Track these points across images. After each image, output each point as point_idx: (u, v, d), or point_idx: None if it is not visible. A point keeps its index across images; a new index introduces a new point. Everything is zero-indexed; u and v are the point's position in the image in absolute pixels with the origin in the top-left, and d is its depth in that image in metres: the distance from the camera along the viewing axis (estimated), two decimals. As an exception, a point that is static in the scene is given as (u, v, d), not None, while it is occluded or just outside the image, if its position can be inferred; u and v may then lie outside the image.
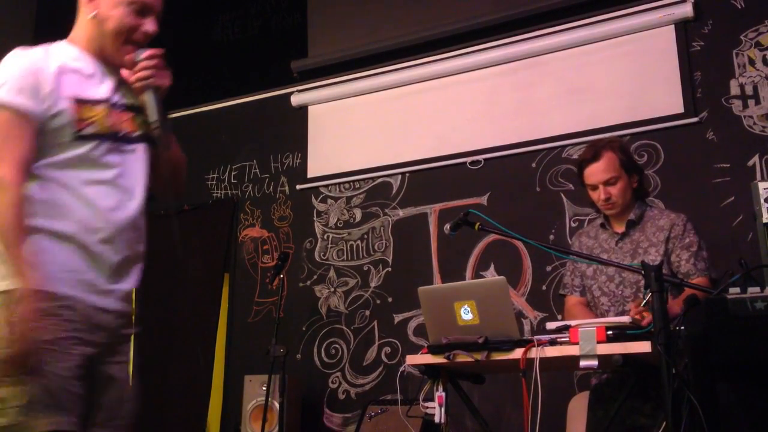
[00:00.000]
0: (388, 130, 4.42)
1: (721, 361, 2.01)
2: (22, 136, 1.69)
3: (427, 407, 2.36)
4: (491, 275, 3.87)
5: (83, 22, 1.86)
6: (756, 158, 3.45)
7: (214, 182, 4.90)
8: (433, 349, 2.33)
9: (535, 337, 2.19)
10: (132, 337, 1.89)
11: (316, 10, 4.81)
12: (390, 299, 4.15)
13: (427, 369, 2.38)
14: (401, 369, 3.94)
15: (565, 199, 3.84)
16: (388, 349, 4.09)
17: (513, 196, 3.97)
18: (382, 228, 4.30)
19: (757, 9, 3.60)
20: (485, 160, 4.07)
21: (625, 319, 2.20)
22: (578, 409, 2.84)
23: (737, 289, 1.96)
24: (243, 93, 4.95)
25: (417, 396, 2.38)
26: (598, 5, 3.93)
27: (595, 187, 2.72)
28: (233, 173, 4.87)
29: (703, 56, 3.68)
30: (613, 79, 3.86)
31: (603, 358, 2.05)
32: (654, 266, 2.01)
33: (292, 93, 4.70)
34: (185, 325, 4.61)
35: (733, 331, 1.93)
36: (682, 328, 1.99)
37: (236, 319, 4.56)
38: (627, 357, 2.04)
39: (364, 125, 4.48)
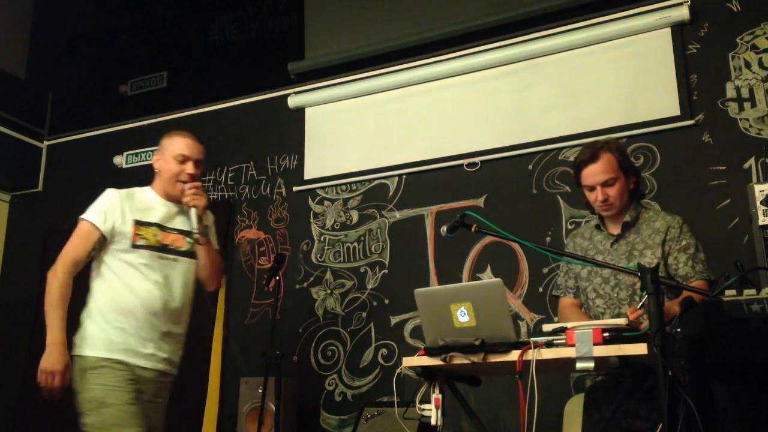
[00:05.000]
0: (385, 132, 4.42)
1: (718, 363, 2.01)
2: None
3: (424, 409, 2.35)
4: (488, 277, 3.87)
5: (156, 175, 2.91)
6: (752, 161, 3.45)
7: (211, 184, 4.90)
8: (430, 351, 2.33)
9: (532, 339, 2.19)
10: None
11: (313, 11, 4.81)
12: (387, 301, 4.15)
13: (424, 371, 2.38)
14: (398, 371, 3.93)
15: (561, 202, 3.84)
16: (384, 351, 4.09)
17: (509, 198, 3.97)
18: (378, 230, 4.30)
19: (753, 12, 3.61)
20: (482, 162, 4.08)
21: (622, 320, 2.20)
22: (575, 411, 2.85)
23: (733, 291, 1.96)
24: (240, 95, 4.95)
25: (413, 398, 2.38)
26: (594, 8, 3.94)
27: (592, 189, 2.70)
28: (230, 175, 4.86)
29: (699, 59, 3.69)
30: (610, 82, 3.87)
31: (599, 360, 2.05)
32: (650, 268, 2.01)
33: (289, 95, 4.71)
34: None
35: (729, 333, 1.93)
36: (678, 329, 1.99)
37: (232, 321, 4.55)
38: (623, 359, 2.03)
39: (361, 127, 4.48)
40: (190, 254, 2.86)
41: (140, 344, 2.71)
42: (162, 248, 2.79)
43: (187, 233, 2.84)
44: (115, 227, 2.73)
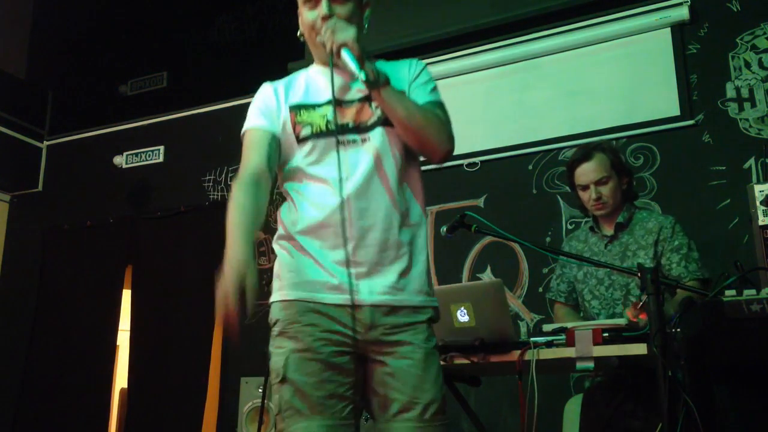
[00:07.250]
0: (385, 132, 4.41)
1: (717, 363, 2.01)
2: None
3: (424, 409, 2.35)
4: (488, 277, 3.87)
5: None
6: (752, 161, 3.46)
7: (211, 184, 4.90)
8: (430, 351, 2.33)
9: (532, 339, 2.19)
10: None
11: (313, 12, 4.81)
12: (386, 301, 4.14)
13: (424, 371, 2.37)
14: (398, 371, 3.93)
15: (561, 202, 3.84)
16: (384, 351, 4.08)
17: (509, 198, 3.97)
18: (378, 230, 4.29)
19: (753, 12, 3.61)
20: (482, 162, 4.07)
21: (621, 320, 2.20)
22: (575, 411, 2.84)
23: (733, 292, 1.96)
24: (240, 94, 4.95)
25: (413, 398, 2.37)
26: (594, 8, 3.94)
27: (585, 188, 2.73)
28: (230, 175, 4.86)
29: (699, 59, 3.69)
30: (610, 82, 3.87)
31: (599, 360, 2.06)
32: (650, 268, 2.01)
33: (288, 95, 4.70)
34: (182, 326, 4.60)
35: (729, 333, 1.93)
36: (678, 330, 1.99)
37: (232, 321, 4.54)
38: (623, 359, 2.04)
39: (361, 127, 4.48)
40: (385, 122, 1.81)
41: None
42: (339, 130, 1.80)
43: (366, 99, 1.83)
44: (276, 122, 1.89)
